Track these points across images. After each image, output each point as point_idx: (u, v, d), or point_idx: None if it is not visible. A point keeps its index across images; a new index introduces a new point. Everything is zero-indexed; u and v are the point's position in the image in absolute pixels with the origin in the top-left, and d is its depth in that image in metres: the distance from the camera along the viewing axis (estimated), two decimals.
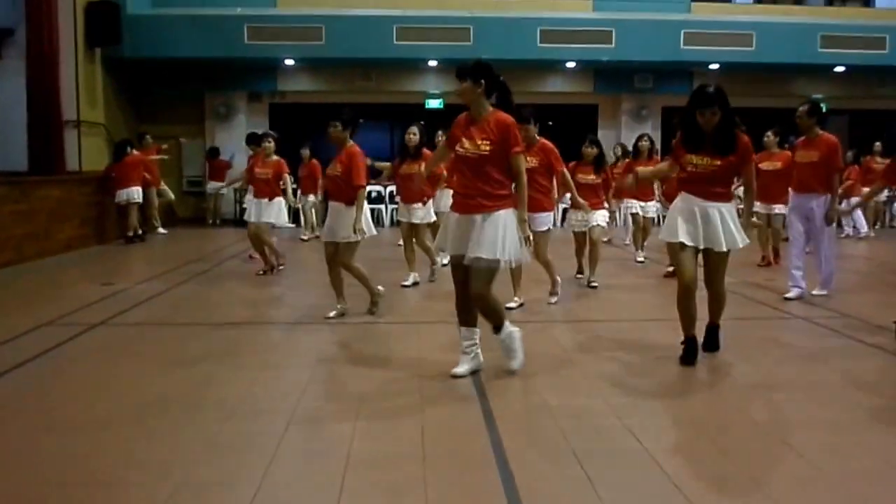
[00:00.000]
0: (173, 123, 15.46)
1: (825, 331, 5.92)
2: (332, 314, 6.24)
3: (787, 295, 7.06)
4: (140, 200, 12.48)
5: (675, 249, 4.76)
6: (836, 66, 15.32)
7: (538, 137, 6.55)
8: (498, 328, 4.50)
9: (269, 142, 8.65)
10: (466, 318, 4.52)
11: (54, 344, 5.38)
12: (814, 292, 7.13)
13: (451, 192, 8.68)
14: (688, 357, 4.80)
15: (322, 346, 5.45)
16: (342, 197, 6.04)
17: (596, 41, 14.38)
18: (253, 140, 10.40)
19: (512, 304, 6.47)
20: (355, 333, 5.83)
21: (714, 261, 4.80)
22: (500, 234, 4.24)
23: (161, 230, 13.54)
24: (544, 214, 6.62)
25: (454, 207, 4.49)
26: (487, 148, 4.29)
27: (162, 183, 13.66)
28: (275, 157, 8.71)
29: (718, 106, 4.59)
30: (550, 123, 14.56)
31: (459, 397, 4.21)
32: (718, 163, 4.67)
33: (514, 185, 4.43)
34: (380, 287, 6.46)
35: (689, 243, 4.69)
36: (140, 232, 12.54)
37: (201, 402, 4.11)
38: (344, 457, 3.29)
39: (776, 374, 4.70)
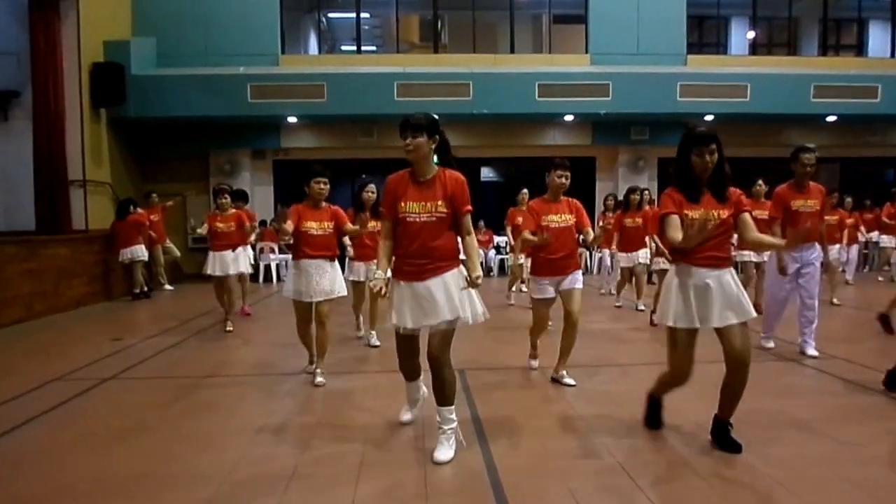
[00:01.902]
0: (178, 181, 15.63)
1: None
2: (313, 368, 6.18)
3: (812, 352, 6.80)
4: (145, 258, 12.56)
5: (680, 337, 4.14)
6: (828, 115, 15.54)
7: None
8: (449, 404, 4.14)
9: (225, 197, 8.87)
10: (412, 374, 4.58)
11: (64, 399, 5.43)
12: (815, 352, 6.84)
13: None
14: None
15: (332, 397, 5.46)
16: (327, 252, 6.00)
17: (593, 94, 14.62)
18: (238, 197, 10.64)
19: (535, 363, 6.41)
20: (355, 385, 5.82)
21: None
22: (458, 294, 4.02)
23: (168, 287, 13.59)
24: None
25: (402, 277, 4.10)
26: (445, 210, 4.04)
27: (168, 240, 13.76)
28: (232, 210, 9.01)
29: (717, 144, 4.09)
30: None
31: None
32: (725, 214, 4.08)
33: (462, 245, 4.15)
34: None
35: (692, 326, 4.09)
36: (146, 289, 12.60)
37: (206, 460, 4.10)
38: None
39: None
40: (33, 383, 5.95)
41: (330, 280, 5.98)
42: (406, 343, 4.24)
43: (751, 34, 18.09)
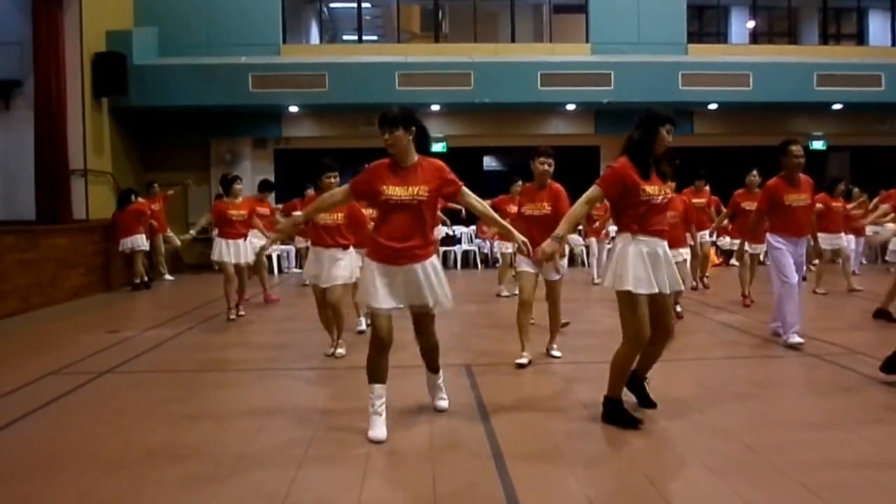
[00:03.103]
0: (179, 170, 15.60)
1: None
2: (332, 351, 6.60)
3: (797, 340, 6.55)
4: (145, 248, 12.55)
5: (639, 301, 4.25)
6: (833, 103, 15.49)
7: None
8: (438, 370, 4.68)
9: (240, 184, 9.00)
10: (383, 375, 4.28)
11: (61, 393, 5.37)
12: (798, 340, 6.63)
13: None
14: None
15: (335, 392, 5.47)
16: (342, 241, 6.44)
17: (595, 84, 14.57)
18: (266, 187, 11.46)
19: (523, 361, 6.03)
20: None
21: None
22: (444, 280, 4.30)
23: (168, 276, 13.61)
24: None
25: (381, 259, 4.19)
26: (426, 194, 4.17)
27: (168, 229, 13.76)
28: (242, 199, 9.13)
29: None
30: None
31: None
32: (668, 191, 4.36)
33: (488, 218, 4.53)
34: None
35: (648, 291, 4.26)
36: (146, 279, 12.60)
37: (208, 451, 4.11)
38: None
39: None
40: (31, 376, 5.87)
41: (342, 267, 6.40)
42: (386, 328, 4.20)
43: (751, 23, 18.01)
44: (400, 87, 14.19)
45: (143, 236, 12.48)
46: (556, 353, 6.34)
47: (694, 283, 10.51)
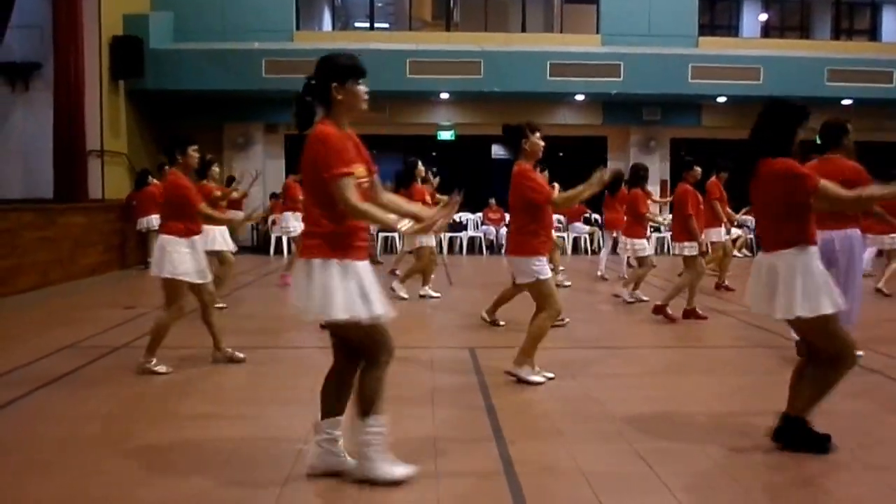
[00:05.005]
0: None
1: None
2: None
3: None
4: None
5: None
6: (843, 99, 15.49)
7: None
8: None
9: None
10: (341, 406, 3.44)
11: (75, 367, 5.50)
12: None
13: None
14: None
15: None
16: None
17: (604, 75, 14.68)
18: None
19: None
20: None
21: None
22: None
23: None
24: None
25: (359, 256, 3.28)
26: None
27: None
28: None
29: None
30: (561, 154, 14.88)
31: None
32: None
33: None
34: None
35: None
36: None
37: (216, 431, 4.32)
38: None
39: None
40: (46, 350, 6.01)
41: None
42: (386, 331, 3.34)
43: (763, 17, 18.04)
44: (410, 75, 14.37)
45: (157, 217, 12.64)
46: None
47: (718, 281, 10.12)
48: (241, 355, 5.72)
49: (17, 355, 5.81)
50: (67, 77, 11.85)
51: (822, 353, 3.70)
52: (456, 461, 3.66)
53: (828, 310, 3.53)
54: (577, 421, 4.33)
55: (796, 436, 3.72)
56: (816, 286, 3.56)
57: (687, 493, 3.26)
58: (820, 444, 3.72)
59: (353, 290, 3.14)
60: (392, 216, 3.31)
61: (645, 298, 8.78)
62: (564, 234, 15.12)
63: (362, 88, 3.30)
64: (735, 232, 14.85)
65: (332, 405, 3.36)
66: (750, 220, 15.05)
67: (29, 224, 9.76)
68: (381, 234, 14.63)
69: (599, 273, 11.28)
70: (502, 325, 7.20)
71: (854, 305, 4.96)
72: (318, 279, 3.14)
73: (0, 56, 12.02)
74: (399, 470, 3.31)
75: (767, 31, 18.08)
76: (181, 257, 5.31)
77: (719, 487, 3.38)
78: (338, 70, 3.30)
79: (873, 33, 18.20)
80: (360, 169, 3.24)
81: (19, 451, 3.81)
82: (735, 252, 15.04)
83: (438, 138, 16.47)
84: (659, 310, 7.59)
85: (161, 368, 5.33)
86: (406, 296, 8.98)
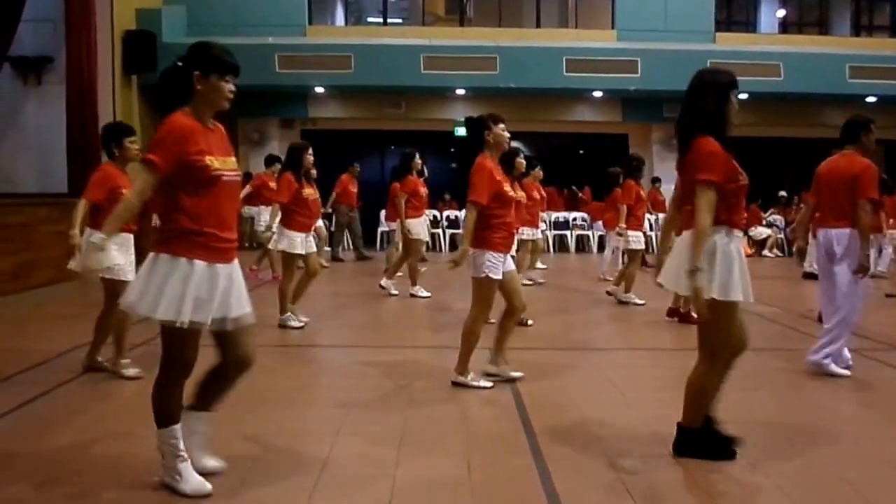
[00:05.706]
0: None
1: None
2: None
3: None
4: None
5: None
6: (867, 96, 15.23)
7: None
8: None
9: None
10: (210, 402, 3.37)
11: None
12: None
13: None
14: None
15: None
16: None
17: (621, 71, 14.52)
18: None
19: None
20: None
21: None
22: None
23: None
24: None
25: (207, 257, 3.09)
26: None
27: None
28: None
29: None
30: (581, 152, 14.72)
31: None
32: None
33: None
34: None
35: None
36: None
37: (250, 418, 4.22)
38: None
39: None
40: (62, 347, 5.94)
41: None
42: (195, 346, 3.20)
43: (781, 12, 17.82)
44: (425, 71, 14.24)
45: None
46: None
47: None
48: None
49: (33, 353, 5.75)
50: (80, 71, 11.75)
51: (700, 347, 3.55)
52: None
53: (737, 297, 3.42)
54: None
55: (695, 445, 3.55)
56: (729, 271, 3.43)
57: None
58: (722, 450, 3.57)
59: (189, 291, 3.02)
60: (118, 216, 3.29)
61: (639, 302, 8.59)
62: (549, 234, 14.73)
63: (227, 86, 3.20)
64: (764, 232, 14.68)
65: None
66: (780, 219, 14.93)
67: (44, 218, 9.66)
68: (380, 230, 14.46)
69: (601, 276, 10.92)
70: (531, 325, 7.09)
71: (856, 302, 5.07)
72: (159, 275, 3.05)
73: (12, 50, 11.90)
74: (192, 485, 3.14)
75: (785, 26, 17.86)
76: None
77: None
78: (205, 60, 3.21)
79: (894, 29, 17.95)
80: (213, 161, 3.10)
81: (38, 446, 3.71)
82: (766, 252, 14.93)
83: (456, 134, 16.34)
84: (674, 313, 7.56)
85: (130, 372, 5.24)
86: (396, 292, 9.04)
